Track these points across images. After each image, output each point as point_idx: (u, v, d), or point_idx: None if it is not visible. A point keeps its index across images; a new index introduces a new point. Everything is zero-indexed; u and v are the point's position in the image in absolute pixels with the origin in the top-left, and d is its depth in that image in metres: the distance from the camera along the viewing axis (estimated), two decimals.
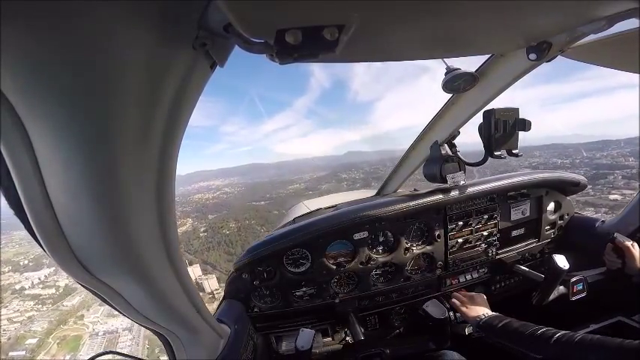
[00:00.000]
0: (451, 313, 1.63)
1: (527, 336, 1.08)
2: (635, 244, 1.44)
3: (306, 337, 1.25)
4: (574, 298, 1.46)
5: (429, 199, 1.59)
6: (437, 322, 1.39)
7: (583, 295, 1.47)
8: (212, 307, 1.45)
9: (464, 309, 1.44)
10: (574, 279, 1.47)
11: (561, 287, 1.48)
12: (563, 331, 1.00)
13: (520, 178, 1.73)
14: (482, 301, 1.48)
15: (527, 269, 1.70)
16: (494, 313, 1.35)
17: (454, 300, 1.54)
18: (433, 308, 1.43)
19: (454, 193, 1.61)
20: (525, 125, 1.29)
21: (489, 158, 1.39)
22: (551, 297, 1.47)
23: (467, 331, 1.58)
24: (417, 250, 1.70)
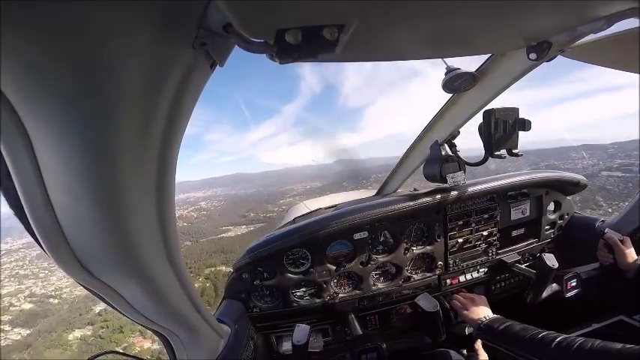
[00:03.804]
0: (451, 314, 1.63)
1: (528, 340, 1.08)
2: (628, 240, 1.44)
3: (301, 331, 1.27)
4: (568, 295, 1.47)
5: (429, 199, 1.59)
6: (429, 315, 1.39)
7: (577, 290, 1.48)
8: None
9: (465, 311, 1.44)
10: (567, 276, 1.48)
11: (554, 285, 1.49)
12: (564, 335, 1.00)
13: (520, 178, 1.73)
14: (483, 302, 1.47)
15: (526, 268, 1.70)
16: (495, 315, 1.35)
17: (455, 301, 1.54)
18: (425, 302, 1.43)
19: (454, 193, 1.61)
20: (525, 125, 1.29)
21: (489, 158, 1.39)
22: (545, 294, 1.48)
23: (467, 331, 1.58)
24: (417, 250, 1.70)
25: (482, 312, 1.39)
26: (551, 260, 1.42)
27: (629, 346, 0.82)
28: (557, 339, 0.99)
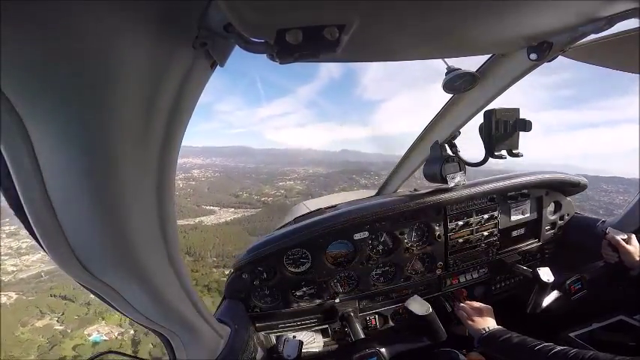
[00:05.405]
0: (452, 316, 1.62)
1: (526, 351, 1.11)
2: (633, 237, 1.44)
3: (292, 345, 1.31)
4: (574, 298, 1.47)
5: (429, 199, 1.59)
6: (421, 319, 1.38)
7: (583, 292, 1.48)
8: None
9: (470, 322, 1.44)
10: (570, 280, 1.48)
11: (555, 292, 1.51)
12: (560, 347, 1.05)
13: (520, 179, 1.73)
14: (489, 313, 1.46)
15: (527, 268, 1.70)
16: (496, 327, 1.35)
17: (461, 311, 1.53)
18: (415, 306, 1.40)
19: (454, 194, 1.61)
20: (526, 125, 1.29)
21: (490, 158, 1.38)
22: (547, 303, 1.49)
23: (467, 331, 1.58)
24: (417, 250, 1.70)
25: (486, 323, 1.39)
26: (546, 275, 1.44)
27: (619, 358, 0.89)
28: (553, 351, 1.04)
